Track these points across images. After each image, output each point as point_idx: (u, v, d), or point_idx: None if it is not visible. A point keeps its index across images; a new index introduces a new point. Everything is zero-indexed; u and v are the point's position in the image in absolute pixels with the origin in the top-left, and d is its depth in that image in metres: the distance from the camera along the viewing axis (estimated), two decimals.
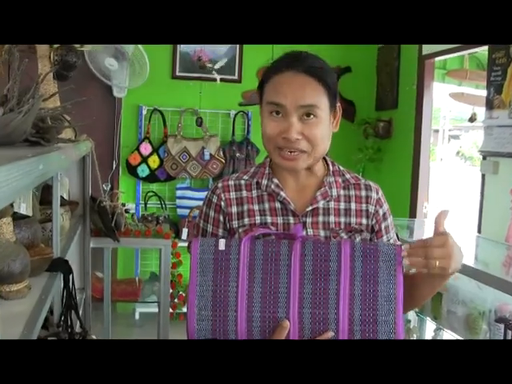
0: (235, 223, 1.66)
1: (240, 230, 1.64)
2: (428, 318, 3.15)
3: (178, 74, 5.44)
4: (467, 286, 2.70)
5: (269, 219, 1.64)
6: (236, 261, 1.47)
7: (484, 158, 3.95)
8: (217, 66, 5.39)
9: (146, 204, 5.38)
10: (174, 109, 5.42)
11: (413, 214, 4.84)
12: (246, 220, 1.65)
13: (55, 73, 2.32)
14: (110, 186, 5.23)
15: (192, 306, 1.46)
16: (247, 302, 1.44)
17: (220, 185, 1.70)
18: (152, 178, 5.41)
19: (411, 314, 3.33)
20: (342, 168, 1.76)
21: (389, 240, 1.71)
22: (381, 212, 1.70)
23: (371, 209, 1.68)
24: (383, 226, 1.71)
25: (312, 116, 1.54)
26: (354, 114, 5.72)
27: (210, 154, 5.36)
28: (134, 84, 5.14)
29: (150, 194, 5.41)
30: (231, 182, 1.70)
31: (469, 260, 2.77)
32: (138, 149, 5.35)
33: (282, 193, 1.64)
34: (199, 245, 1.49)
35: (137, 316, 5.19)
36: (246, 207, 1.66)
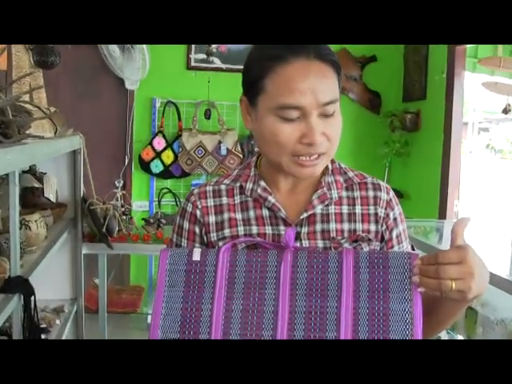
0: (213, 235, 1.39)
1: (220, 244, 1.37)
2: (461, 337, 2.82)
3: (193, 64, 5.17)
4: (507, 302, 2.36)
5: (255, 229, 1.36)
6: (212, 273, 1.22)
7: None
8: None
9: (159, 202, 5.13)
10: (189, 101, 5.16)
11: (442, 214, 4.51)
12: (227, 231, 1.38)
13: (36, 61, 2.06)
14: (122, 182, 5.04)
15: (155, 328, 1.20)
16: (224, 321, 1.18)
17: (196, 191, 1.43)
18: (166, 174, 5.17)
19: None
20: (343, 165, 1.46)
21: None
22: (391, 216, 1.40)
23: (381, 212, 1.39)
24: (394, 233, 1.41)
25: (332, 112, 1.25)
26: (380, 105, 5.46)
27: (227, 149, 5.10)
28: (139, 76, 4.91)
29: (164, 190, 5.16)
30: (209, 188, 1.43)
31: (504, 270, 2.45)
32: (151, 143, 5.10)
33: (270, 197, 1.37)
34: (169, 255, 1.24)
35: (149, 319, 4.94)
36: (226, 216, 1.39)
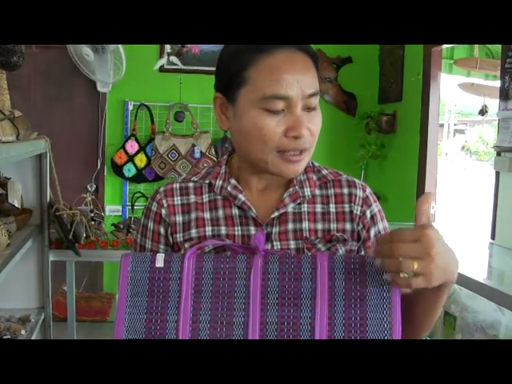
0: (179, 236, 1.32)
1: (186, 245, 1.30)
2: None
3: (166, 66, 5.08)
4: (486, 306, 2.30)
5: (223, 230, 1.30)
6: (177, 281, 1.13)
7: (498, 154, 3.56)
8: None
9: (133, 206, 5.04)
10: (163, 104, 5.07)
11: None
12: (194, 231, 1.31)
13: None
14: (94, 187, 4.95)
15: None
16: (191, 334, 1.10)
17: (162, 189, 1.36)
18: (139, 178, 5.07)
19: None
20: (317, 164, 1.41)
21: None
22: (368, 214, 1.34)
23: (356, 210, 1.33)
24: (372, 232, 1.34)
25: (314, 106, 1.22)
26: (356, 107, 5.41)
27: (201, 152, 5.02)
28: (111, 79, 4.81)
29: (138, 194, 5.07)
30: (176, 185, 1.36)
31: (481, 274, 2.40)
32: (123, 147, 5.00)
33: (240, 196, 1.30)
34: (131, 260, 1.15)
35: None
36: (193, 215, 1.32)
